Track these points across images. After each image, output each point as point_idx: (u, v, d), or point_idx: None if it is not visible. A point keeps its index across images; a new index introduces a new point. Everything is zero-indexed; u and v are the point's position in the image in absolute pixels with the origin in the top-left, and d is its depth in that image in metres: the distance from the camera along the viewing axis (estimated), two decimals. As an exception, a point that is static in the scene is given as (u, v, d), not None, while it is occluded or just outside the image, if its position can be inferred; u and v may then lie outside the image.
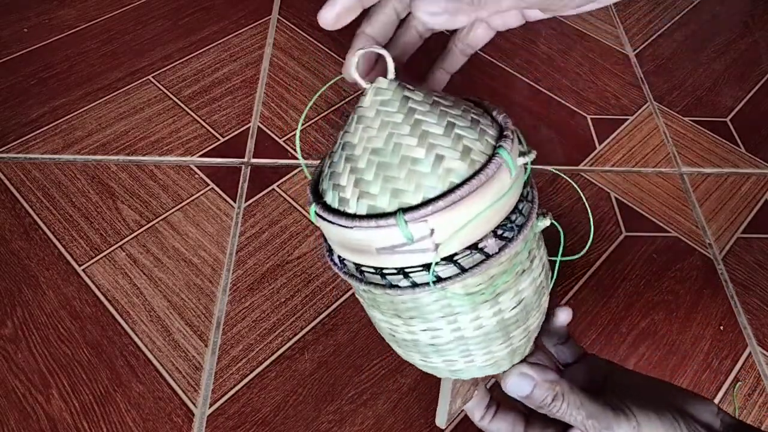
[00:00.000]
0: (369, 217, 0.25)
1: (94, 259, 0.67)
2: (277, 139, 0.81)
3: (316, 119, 0.83)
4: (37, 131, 0.79)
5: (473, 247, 0.26)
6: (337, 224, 0.26)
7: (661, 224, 0.75)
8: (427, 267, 0.26)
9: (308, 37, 0.96)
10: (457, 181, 0.25)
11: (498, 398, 0.38)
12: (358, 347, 0.62)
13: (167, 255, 0.68)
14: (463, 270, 0.26)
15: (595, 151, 0.83)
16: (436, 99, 0.27)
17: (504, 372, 0.33)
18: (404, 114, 0.26)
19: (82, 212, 0.71)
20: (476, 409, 0.36)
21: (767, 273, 0.71)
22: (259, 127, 0.82)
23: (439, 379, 0.36)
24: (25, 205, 0.71)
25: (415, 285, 0.27)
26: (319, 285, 0.66)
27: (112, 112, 0.83)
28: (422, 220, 0.25)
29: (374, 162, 0.26)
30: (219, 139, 0.80)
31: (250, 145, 0.80)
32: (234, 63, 0.91)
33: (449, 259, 0.26)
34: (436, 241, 0.25)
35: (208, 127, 0.81)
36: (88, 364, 0.59)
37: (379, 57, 0.31)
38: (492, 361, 0.31)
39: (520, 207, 0.28)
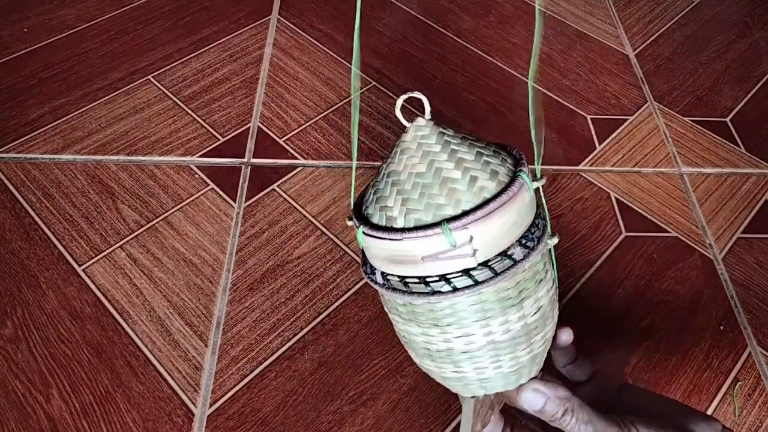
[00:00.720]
0: (417, 228, 0.30)
1: (94, 259, 0.67)
2: (277, 139, 0.81)
3: (316, 119, 0.83)
4: (37, 131, 0.79)
5: (503, 254, 0.31)
6: (387, 239, 0.31)
7: (661, 224, 0.75)
8: (466, 272, 0.31)
9: (308, 37, 0.96)
10: (489, 196, 0.30)
11: (510, 421, 0.42)
12: (358, 347, 0.62)
13: (167, 255, 0.68)
14: (496, 274, 0.31)
15: (595, 151, 0.83)
16: (464, 135, 0.33)
17: (519, 388, 0.37)
18: (441, 145, 0.32)
19: (82, 212, 0.71)
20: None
21: (767, 273, 0.71)
22: (259, 127, 0.82)
23: (441, 385, 0.37)
24: (25, 205, 0.71)
25: (455, 289, 0.31)
26: (319, 285, 0.66)
27: (112, 112, 0.83)
28: (464, 227, 0.29)
29: (418, 184, 0.31)
30: (219, 139, 0.80)
31: (250, 145, 0.80)
32: (234, 63, 0.91)
33: (485, 264, 0.31)
34: (474, 247, 0.30)
35: (208, 127, 0.81)
36: (88, 364, 0.59)
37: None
38: (516, 368, 0.35)
39: (537, 223, 0.33)
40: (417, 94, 0.32)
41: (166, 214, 0.71)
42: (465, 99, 0.89)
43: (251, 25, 0.97)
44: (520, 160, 0.33)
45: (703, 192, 0.79)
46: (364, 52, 0.94)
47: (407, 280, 0.32)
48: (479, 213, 0.30)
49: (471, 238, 0.30)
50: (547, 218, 0.34)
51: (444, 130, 0.33)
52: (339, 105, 0.85)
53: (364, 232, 0.32)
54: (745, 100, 0.91)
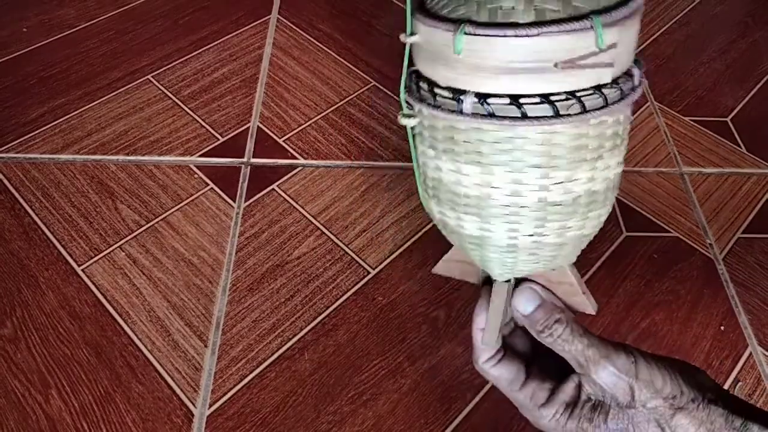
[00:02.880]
0: (561, 21, 0.24)
1: (94, 260, 0.67)
2: (276, 139, 0.81)
3: (316, 119, 0.83)
4: (37, 131, 0.79)
5: (613, 83, 0.26)
6: (516, 35, 0.24)
7: (661, 224, 0.74)
8: (572, 95, 0.25)
9: (308, 36, 0.96)
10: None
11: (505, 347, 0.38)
12: (358, 347, 0.62)
13: (167, 255, 0.68)
14: (607, 103, 0.26)
15: (596, 151, 0.83)
16: None
17: (516, 289, 0.33)
18: None
19: (82, 212, 0.71)
20: (485, 351, 0.35)
21: (767, 273, 0.71)
22: (258, 127, 0.82)
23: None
24: (25, 205, 0.71)
25: (579, 112, 0.25)
26: (319, 285, 0.66)
27: (111, 112, 0.82)
28: (614, 25, 0.24)
29: None
30: (218, 139, 0.80)
31: (250, 145, 0.80)
32: (234, 63, 0.90)
33: (597, 89, 0.25)
34: (612, 56, 0.25)
35: (208, 127, 0.81)
36: (88, 365, 0.59)
37: None
38: (558, 244, 0.30)
39: (631, 70, 0.27)
40: None
41: (165, 214, 0.71)
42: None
43: (251, 25, 0.97)
44: None
45: (703, 192, 0.79)
46: (365, 52, 0.93)
47: (489, 100, 0.26)
48: (625, 10, 0.24)
49: (615, 44, 0.24)
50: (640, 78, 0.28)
51: None
52: (339, 105, 0.85)
53: (469, 32, 0.25)
54: (746, 99, 0.91)
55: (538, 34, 0.24)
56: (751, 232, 0.74)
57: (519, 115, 0.25)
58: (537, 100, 0.25)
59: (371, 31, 0.97)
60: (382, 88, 0.88)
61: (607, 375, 0.30)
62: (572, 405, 0.32)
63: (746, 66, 0.97)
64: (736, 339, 0.65)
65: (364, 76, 0.90)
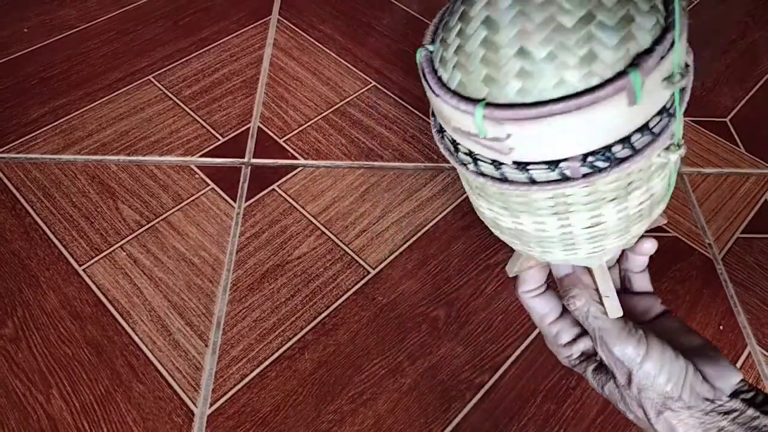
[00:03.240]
0: (453, 94, 0.23)
1: (95, 259, 0.67)
2: (277, 139, 0.81)
3: (316, 119, 0.83)
4: (38, 131, 0.80)
5: (553, 164, 0.23)
6: (428, 87, 0.24)
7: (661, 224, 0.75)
8: (553, 164, 0.23)
9: (308, 37, 0.96)
10: (565, 93, 0.21)
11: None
12: (358, 347, 0.62)
13: (167, 255, 0.68)
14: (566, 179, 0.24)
15: (595, 151, 0.83)
16: None
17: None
18: None
19: (83, 212, 0.71)
20: (531, 280, 0.35)
21: (767, 273, 0.71)
22: (259, 127, 0.82)
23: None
24: (26, 205, 0.72)
25: (533, 182, 0.24)
26: (319, 285, 0.66)
27: (112, 112, 0.83)
28: (501, 122, 0.22)
29: (482, 36, 0.22)
30: (219, 139, 0.80)
31: (250, 145, 0.80)
32: (234, 63, 0.91)
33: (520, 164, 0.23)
34: (510, 146, 0.22)
35: (209, 127, 0.82)
36: (89, 364, 0.59)
37: None
38: (599, 251, 0.30)
39: (633, 139, 0.23)
40: None
41: (166, 214, 0.72)
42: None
43: (251, 26, 0.97)
44: (659, 39, 0.21)
45: (702, 192, 0.79)
46: (365, 52, 0.94)
47: (477, 157, 0.25)
48: (527, 112, 0.21)
49: (508, 136, 0.22)
50: (665, 131, 0.24)
51: None
52: (339, 105, 0.85)
53: (420, 57, 0.25)
54: (745, 100, 0.91)
55: (442, 102, 0.23)
56: (750, 232, 0.75)
57: (477, 171, 0.25)
58: (488, 161, 0.25)
59: (371, 32, 0.98)
60: (382, 88, 0.88)
61: (608, 357, 0.31)
62: (587, 356, 0.35)
63: (746, 66, 0.97)
64: (735, 339, 0.65)
65: (364, 76, 0.90)
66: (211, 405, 0.57)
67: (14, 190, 0.73)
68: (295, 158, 0.79)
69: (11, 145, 0.78)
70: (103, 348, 0.60)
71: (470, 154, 0.25)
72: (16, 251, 0.67)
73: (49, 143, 0.78)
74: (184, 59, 0.91)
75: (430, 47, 0.25)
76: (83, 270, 0.66)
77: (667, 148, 0.24)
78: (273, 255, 0.69)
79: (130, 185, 0.74)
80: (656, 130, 0.23)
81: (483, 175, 0.25)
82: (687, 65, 0.23)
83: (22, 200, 0.72)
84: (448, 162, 0.79)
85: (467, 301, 0.66)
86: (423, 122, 0.83)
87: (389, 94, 0.87)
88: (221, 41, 0.94)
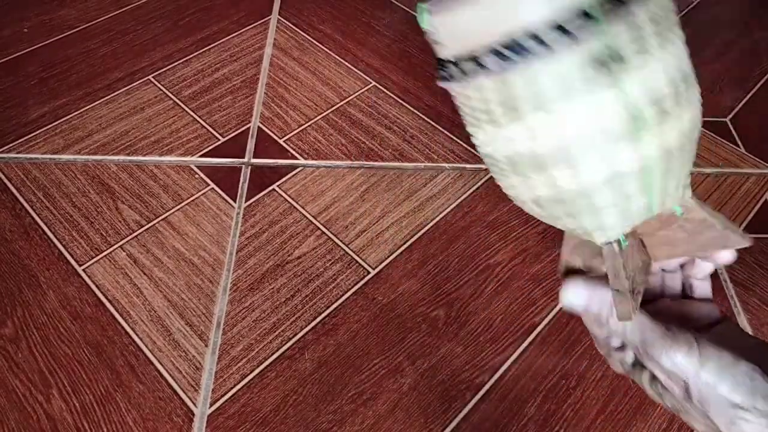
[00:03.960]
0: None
1: (95, 259, 0.67)
2: (277, 139, 0.81)
3: (316, 119, 0.84)
4: (38, 131, 0.80)
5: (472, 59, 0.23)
6: None
7: (660, 224, 0.75)
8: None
9: (308, 37, 0.96)
10: None
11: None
12: (358, 347, 0.62)
13: (167, 255, 0.68)
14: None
15: (595, 151, 0.83)
16: None
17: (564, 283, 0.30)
18: None
19: (83, 212, 0.71)
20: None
21: (767, 273, 0.71)
22: (259, 127, 0.82)
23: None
24: (26, 205, 0.72)
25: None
26: (319, 285, 0.66)
27: (112, 112, 0.83)
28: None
29: None
30: (219, 139, 0.80)
31: (250, 145, 0.80)
32: (234, 63, 0.91)
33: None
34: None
35: (209, 127, 0.82)
36: (89, 364, 0.59)
37: None
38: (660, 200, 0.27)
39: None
40: None
41: (166, 214, 0.72)
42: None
43: (251, 25, 0.97)
44: None
45: (702, 192, 0.79)
46: (365, 52, 0.94)
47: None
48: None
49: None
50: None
51: None
52: (339, 105, 0.85)
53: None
54: (745, 100, 0.91)
55: None
56: (750, 231, 0.75)
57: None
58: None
59: (371, 31, 0.98)
60: (382, 88, 0.88)
61: (659, 371, 0.28)
62: (639, 363, 0.31)
63: (746, 66, 0.97)
64: (735, 339, 0.65)
65: (364, 76, 0.90)
66: (211, 405, 0.57)
67: (14, 190, 0.73)
68: (295, 158, 0.79)
69: (11, 145, 0.78)
70: (103, 348, 0.60)
71: (457, 64, 0.24)
72: (15, 251, 0.67)
73: (49, 143, 0.78)
74: (184, 59, 0.91)
75: None
76: (83, 270, 0.66)
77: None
78: (273, 255, 0.69)
79: (130, 185, 0.74)
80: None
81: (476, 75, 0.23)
82: None
83: (22, 200, 0.72)
84: (448, 162, 0.79)
85: (467, 301, 0.66)
86: (423, 122, 0.83)
87: (389, 94, 0.87)
88: (221, 41, 0.94)
